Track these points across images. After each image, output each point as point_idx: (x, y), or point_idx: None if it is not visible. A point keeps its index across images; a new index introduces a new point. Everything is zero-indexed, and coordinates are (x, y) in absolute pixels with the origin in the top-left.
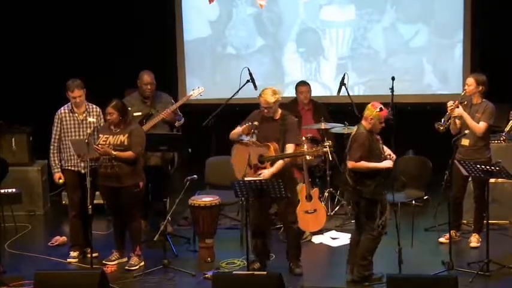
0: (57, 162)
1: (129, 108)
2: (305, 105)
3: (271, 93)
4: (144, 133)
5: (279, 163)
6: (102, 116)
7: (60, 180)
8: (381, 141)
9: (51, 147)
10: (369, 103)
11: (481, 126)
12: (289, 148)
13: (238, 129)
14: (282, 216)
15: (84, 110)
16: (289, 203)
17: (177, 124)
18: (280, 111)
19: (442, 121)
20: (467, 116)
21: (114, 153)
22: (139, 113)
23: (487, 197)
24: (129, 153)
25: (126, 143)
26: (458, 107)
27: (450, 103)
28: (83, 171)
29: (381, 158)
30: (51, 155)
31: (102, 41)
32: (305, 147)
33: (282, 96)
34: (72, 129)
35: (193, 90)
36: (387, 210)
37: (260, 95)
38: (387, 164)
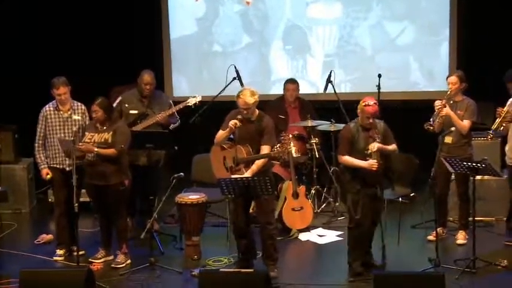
0: (43, 158)
1: (126, 105)
2: (291, 102)
3: (250, 94)
4: (128, 131)
5: (258, 163)
6: (87, 114)
7: (48, 176)
8: (377, 139)
9: (36, 144)
10: (355, 100)
11: (465, 124)
12: (265, 150)
13: (222, 132)
14: (258, 216)
15: (69, 108)
16: (266, 202)
17: (171, 127)
18: (257, 112)
19: (432, 121)
20: (454, 116)
21: (96, 149)
22: (135, 111)
23: (473, 194)
24: (110, 151)
25: (109, 140)
26: (445, 107)
27: (438, 103)
28: (67, 168)
29: (364, 154)
30: (37, 152)
31: (87, 39)
32: (291, 144)
33: (268, 94)
34: (57, 127)
35: (190, 98)
36: (357, 206)
37: (238, 95)
38: (367, 164)
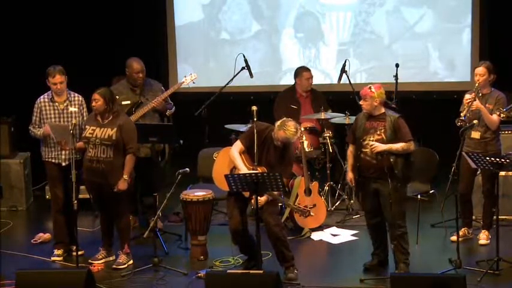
0: (38, 129)
1: (117, 97)
2: (304, 92)
3: (295, 132)
4: (134, 125)
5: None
6: (85, 106)
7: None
8: (378, 131)
9: (30, 130)
10: None
11: (495, 118)
12: None
13: (239, 160)
14: (263, 217)
15: (65, 99)
16: (271, 203)
17: (168, 113)
18: None
19: (464, 117)
20: (484, 110)
21: (126, 177)
22: (128, 102)
23: (497, 191)
24: (130, 159)
25: (114, 137)
26: (475, 100)
27: (468, 96)
28: (63, 163)
29: (360, 143)
30: (32, 131)
31: (88, 27)
32: (305, 141)
33: (279, 85)
34: (53, 119)
35: (185, 77)
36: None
37: (283, 128)
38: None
